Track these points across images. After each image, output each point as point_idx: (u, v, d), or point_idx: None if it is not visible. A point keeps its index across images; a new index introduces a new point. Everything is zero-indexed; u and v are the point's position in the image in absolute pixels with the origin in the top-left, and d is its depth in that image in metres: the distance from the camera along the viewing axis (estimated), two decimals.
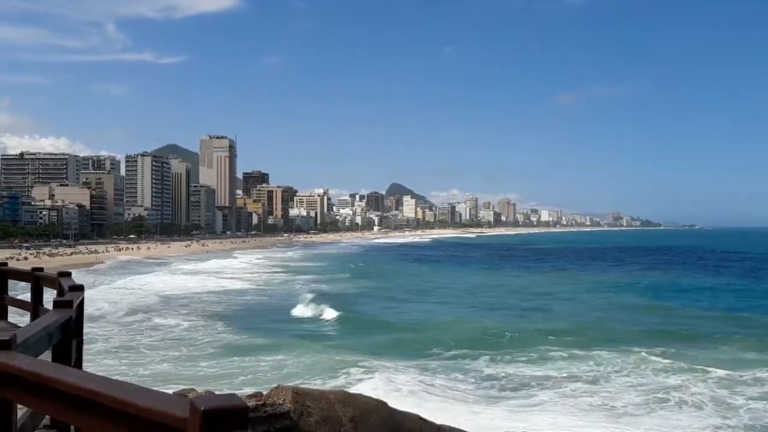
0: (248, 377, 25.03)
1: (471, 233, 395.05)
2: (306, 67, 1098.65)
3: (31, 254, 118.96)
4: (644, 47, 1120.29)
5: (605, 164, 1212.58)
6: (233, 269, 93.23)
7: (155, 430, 1.97)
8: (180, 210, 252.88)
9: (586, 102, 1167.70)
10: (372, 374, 24.40)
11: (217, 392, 10.44)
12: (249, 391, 12.86)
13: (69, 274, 7.86)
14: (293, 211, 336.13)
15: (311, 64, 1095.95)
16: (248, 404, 9.03)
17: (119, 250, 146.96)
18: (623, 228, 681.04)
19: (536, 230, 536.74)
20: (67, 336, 4.96)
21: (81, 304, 6.36)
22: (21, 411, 3.92)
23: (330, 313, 43.52)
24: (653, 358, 29.07)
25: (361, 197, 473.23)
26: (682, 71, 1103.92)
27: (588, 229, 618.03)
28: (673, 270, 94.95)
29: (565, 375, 26.35)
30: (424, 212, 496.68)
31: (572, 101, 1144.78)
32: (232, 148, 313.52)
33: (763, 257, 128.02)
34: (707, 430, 19.30)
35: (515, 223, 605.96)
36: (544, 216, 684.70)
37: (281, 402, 8.74)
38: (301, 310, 46.08)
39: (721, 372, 26.34)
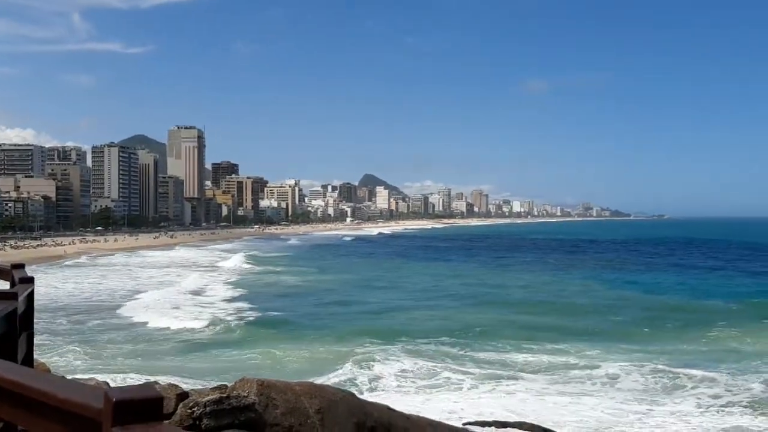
0: None
1: (441, 224, 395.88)
2: (276, 56, 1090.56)
3: None
4: (616, 37, 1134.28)
5: (576, 154, 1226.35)
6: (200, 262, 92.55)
7: (74, 421, 1.99)
8: (148, 201, 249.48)
9: (556, 92, 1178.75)
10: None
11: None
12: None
13: (22, 266, 7.54)
14: (264, 203, 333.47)
15: (281, 53, 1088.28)
16: (212, 396, 8.85)
17: (85, 242, 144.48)
18: (593, 218, 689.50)
19: (505, 221, 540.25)
20: (12, 328, 4.72)
21: (31, 296, 6.10)
22: None
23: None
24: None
25: (334, 188, 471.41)
26: (653, 62, 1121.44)
27: (558, 219, 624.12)
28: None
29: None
30: (397, 203, 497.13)
31: (543, 91, 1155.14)
32: (200, 138, 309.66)
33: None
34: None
35: (488, 214, 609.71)
36: (516, 207, 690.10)
37: (246, 394, 8.57)
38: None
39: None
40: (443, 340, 31.34)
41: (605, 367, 25.45)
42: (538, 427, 16.24)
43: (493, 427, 16.64)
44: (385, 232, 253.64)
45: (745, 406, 20.38)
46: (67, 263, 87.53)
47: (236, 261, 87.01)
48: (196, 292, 51.52)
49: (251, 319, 38.72)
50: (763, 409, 20.09)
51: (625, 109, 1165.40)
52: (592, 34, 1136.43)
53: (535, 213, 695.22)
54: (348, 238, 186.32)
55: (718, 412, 19.91)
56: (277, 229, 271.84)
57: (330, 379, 22.11)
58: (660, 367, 25.66)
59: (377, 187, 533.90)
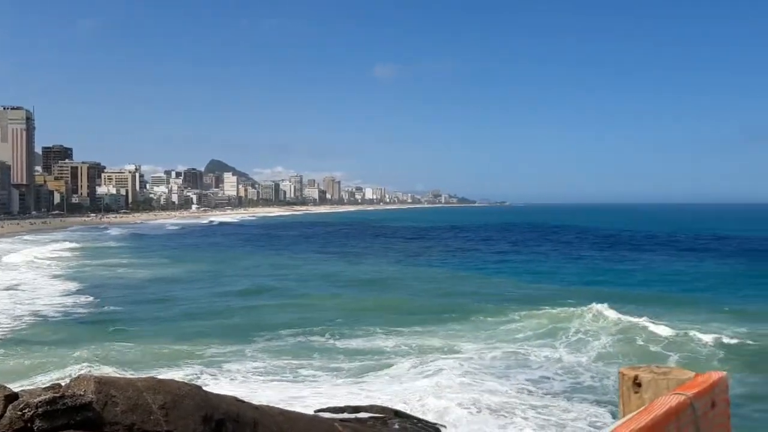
0: None
1: (290, 212, 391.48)
2: (114, 34, 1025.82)
3: None
4: (463, 25, 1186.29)
5: (426, 142, 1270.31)
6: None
7: None
8: None
9: (406, 79, 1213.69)
10: None
11: None
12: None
13: None
14: (101, 189, 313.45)
15: (120, 31, 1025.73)
16: (44, 397, 8.23)
17: None
18: (441, 205, 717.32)
19: (357, 208, 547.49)
20: None
21: None
22: None
23: None
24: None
25: (178, 174, 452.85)
26: (496, 53, 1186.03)
27: (409, 206, 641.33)
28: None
29: None
30: (246, 190, 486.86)
31: (393, 78, 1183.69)
32: (29, 120, 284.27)
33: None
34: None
35: (340, 201, 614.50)
36: (368, 194, 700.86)
37: (82, 393, 8.06)
38: None
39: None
40: (298, 331, 31.14)
41: (459, 349, 26.89)
42: (389, 409, 16.73)
43: (345, 413, 16.90)
44: (217, 220, 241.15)
45: (579, 383, 22.32)
46: None
47: (47, 252, 79.72)
48: (9, 287, 47.23)
49: (79, 315, 36.19)
50: (586, 383, 22.17)
51: (470, 97, 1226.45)
52: (440, 22, 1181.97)
53: (387, 200, 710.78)
54: (174, 227, 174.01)
55: (563, 383, 21.72)
56: (116, 217, 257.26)
57: (176, 376, 21.30)
58: (507, 346, 27.59)
59: (225, 173, 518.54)
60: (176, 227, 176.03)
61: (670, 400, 1.95)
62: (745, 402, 19.79)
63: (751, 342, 28.02)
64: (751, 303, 38.78)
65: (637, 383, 2.18)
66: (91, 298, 42.30)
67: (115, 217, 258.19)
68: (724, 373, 2.32)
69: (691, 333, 29.02)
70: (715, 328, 30.95)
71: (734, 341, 28.06)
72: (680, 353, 26.07)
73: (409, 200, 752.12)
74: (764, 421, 18.34)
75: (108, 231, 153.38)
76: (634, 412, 1.92)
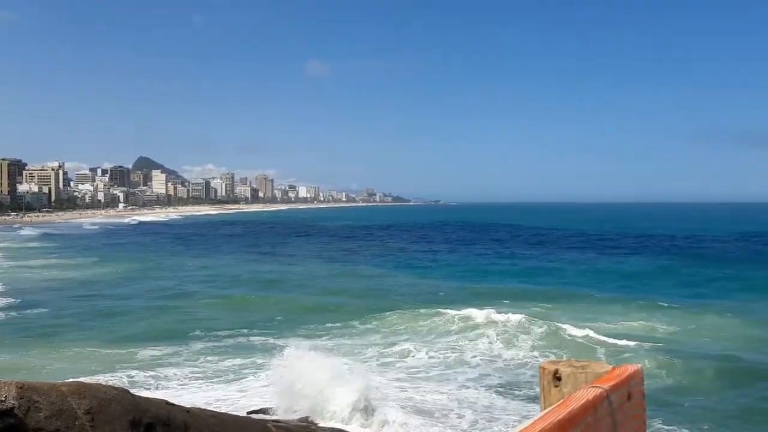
0: None
1: (217, 210, 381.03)
2: (35, 23, 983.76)
3: None
4: (397, 26, 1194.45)
5: (360, 140, 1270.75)
6: None
7: None
8: None
9: (340, 77, 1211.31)
10: None
11: None
12: None
13: None
14: (22, 187, 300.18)
15: (41, 22, 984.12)
16: None
17: None
18: (376, 203, 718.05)
19: (290, 206, 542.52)
20: None
21: None
22: None
23: None
24: None
25: (104, 171, 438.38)
26: (438, 55, 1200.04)
27: (343, 205, 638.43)
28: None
29: None
30: (176, 188, 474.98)
31: (326, 75, 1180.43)
32: None
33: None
34: None
35: (273, 200, 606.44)
36: (302, 192, 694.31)
37: (3, 399, 7.77)
38: None
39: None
40: (234, 332, 30.54)
41: (397, 348, 27.09)
42: None
43: (277, 415, 16.79)
44: (141, 219, 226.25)
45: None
46: None
47: None
48: None
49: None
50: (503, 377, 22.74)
51: (405, 97, 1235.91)
52: (375, 20, 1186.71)
53: (321, 198, 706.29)
54: (93, 227, 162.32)
55: (499, 380, 22.13)
56: (38, 216, 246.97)
57: (108, 381, 20.57)
58: (444, 344, 28.09)
59: (154, 170, 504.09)
60: (96, 227, 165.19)
61: (587, 393, 1.99)
62: (670, 394, 20.75)
63: (677, 337, 29.32)
64: (676, 299, 40.37)
65: (557, 377, 2.22)
66: (11, 300, 40.45)
67: (37, 216, 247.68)
68: (640, 365, 2.44)
69: (619, 328, 30.15)
70: (643, 323, 32.30)
71: (661, 336, 29.32)
72: (606, 348, 26.96)
73: (344, 199, 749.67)
74: (689, 410, 19.24)
75: (20, 231, 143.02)
76: (553, 406, 1.95)
